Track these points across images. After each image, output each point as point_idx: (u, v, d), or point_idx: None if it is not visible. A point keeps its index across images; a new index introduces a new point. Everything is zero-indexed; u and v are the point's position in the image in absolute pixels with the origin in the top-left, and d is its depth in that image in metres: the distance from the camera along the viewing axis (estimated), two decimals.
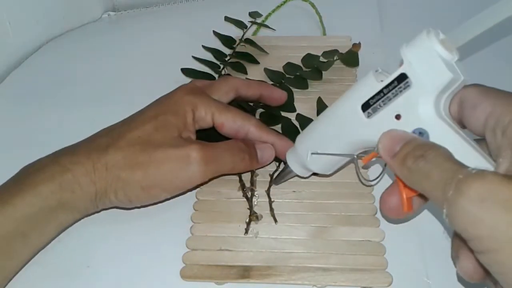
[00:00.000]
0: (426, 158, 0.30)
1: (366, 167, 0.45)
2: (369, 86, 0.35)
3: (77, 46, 0.62)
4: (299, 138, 0.41)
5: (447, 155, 0.30)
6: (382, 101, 0.34)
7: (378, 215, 0.42)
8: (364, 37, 0.57)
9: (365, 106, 0.35)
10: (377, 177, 0.39)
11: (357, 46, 0.54)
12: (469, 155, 0.31)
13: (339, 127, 0.37)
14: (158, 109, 0.42)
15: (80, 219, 0.41)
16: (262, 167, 0.45)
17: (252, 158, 0.43)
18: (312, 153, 0.39)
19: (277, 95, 0.49)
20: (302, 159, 0.40)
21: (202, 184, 0.43)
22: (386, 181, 0.44)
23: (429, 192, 0.30)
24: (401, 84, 0.33)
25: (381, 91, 0.34)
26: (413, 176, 0.31)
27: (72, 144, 0.42)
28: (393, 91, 0.33)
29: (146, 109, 0.43)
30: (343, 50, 0.55)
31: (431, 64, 0.32)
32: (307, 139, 0.40)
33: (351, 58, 0.54)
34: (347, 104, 0.36)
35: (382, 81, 0.34)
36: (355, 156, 0.38)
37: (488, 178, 0.27)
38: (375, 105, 0.34)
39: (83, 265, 0.40)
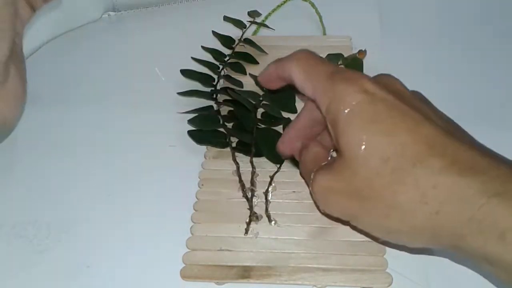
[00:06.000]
0: None
1: None
2: None
3: (77, 46, 0.62)
4: None
5: None
6: None
7: None
8: (364, 37, 0.57)
9: None
10: None
11: (362, 53, 0.54)
12: None
13: None
14: None
15: None
16: None
17: None
18: None
19: None
20: None
21: None
22: None
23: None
24: None
25: None
26: None
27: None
28: None
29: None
30: (343, 50, 0.55)
31: None
32: None
33: (355, 65, 0.53)
34: None
35: None
36: None
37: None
38: None
39: (83, 265, 0.40)
